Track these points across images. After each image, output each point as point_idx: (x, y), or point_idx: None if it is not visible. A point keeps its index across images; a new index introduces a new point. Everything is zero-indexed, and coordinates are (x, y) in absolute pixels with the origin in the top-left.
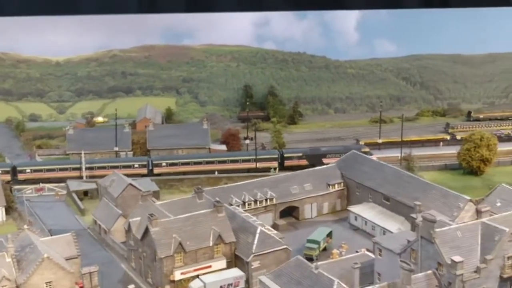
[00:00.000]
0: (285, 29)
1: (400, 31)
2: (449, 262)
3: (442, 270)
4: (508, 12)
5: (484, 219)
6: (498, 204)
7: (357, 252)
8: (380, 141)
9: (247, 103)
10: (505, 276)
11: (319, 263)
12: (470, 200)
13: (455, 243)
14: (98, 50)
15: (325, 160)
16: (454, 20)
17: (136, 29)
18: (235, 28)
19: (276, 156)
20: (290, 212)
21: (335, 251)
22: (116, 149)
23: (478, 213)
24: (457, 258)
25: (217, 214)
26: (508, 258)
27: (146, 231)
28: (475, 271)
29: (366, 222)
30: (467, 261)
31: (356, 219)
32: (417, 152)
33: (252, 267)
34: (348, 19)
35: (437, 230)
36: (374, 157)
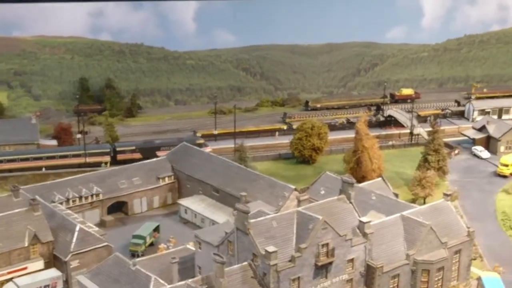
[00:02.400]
0: (121, 20)
1: (238, 21)
2: (263, 252)
3: (257, 261)
4: (343, 2)
5: (299, 208)
6: (322, 192)
7: (184, 245)
8: (216, 132)
9: (78, 97)
10: (319, 263)
11: (138, 259)
12: (295, 189)
13: (270, 233)
14: None
15: (159, 153)
16: (290, 10)
17: None
18: (68, 19)
19: (108, 150)
20: (119, 207)
21: (162, 245)
22: None
23: (298, 202)
24: (270, 248)
25: (33, 212)
26: (323, 246)
27: None
28: (290, 260)
29: (195, 214)
30: (282, 250)
31: (186, 212)
32: (253, 142)
33: (71, 266)
34: (185, 10)
35: (252, 221)
36: (209, 149)
